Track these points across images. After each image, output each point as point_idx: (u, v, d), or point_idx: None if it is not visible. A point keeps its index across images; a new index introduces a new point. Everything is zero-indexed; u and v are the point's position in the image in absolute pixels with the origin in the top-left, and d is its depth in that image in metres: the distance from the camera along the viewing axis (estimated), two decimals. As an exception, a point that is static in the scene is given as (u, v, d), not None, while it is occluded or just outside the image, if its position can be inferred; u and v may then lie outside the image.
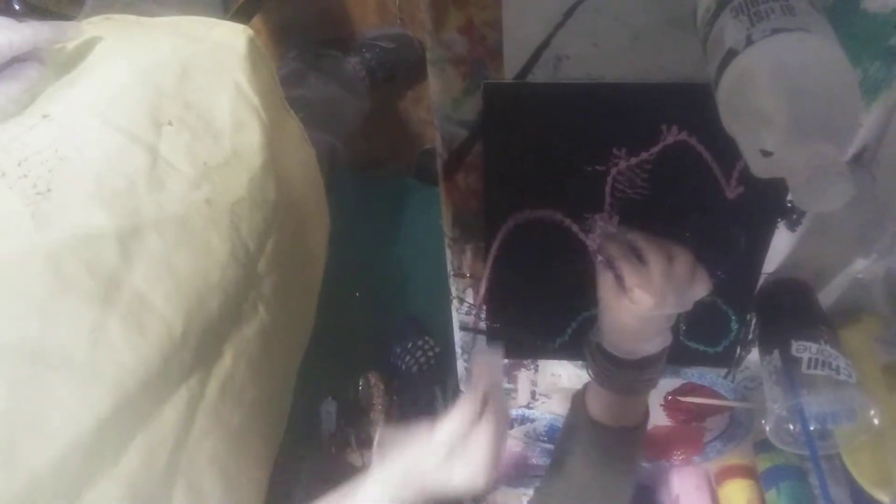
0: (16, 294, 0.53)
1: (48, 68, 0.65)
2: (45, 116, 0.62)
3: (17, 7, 1.00)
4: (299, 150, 0.84)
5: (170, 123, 0.65)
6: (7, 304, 0.52)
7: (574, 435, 0.79)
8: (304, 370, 0.83)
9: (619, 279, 0.68)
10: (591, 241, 0.75)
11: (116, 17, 0.72)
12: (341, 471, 1.35)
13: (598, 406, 0.77)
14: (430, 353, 1.48)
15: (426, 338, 1.47)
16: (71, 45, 0.68)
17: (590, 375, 0.78)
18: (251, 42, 0.76)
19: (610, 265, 0.70)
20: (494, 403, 0.64)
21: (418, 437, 0.63)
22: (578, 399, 0.80)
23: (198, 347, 0.60)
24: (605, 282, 0.70)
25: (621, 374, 0.73)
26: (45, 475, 0.48)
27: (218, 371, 0.63)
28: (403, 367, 1.48)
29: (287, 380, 0.80)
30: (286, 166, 0.77)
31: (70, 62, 0.67)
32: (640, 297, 0.66)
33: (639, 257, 0.68)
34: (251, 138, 0.72)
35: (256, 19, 1.55)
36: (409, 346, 1.47)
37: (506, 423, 0.66)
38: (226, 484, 0.61)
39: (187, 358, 0.59)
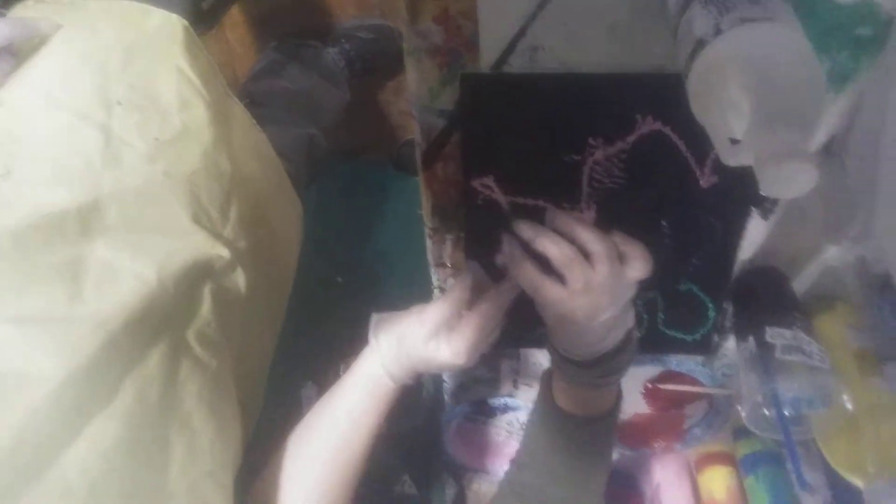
0: None
1: (18, 61, 0.66)
2: None
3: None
4: (248, 133, 0.87)
5: (119, 103, 0.68)
6: None
7: (542, 422, 0.77)
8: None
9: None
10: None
11: (50, 0, 0.73)
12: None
13: (563, 396, 0.75)
14: None
15: None
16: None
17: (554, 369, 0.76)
18: (187, 31, 0.79)
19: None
20: (488, 296, 0.69)
21: (410, 315, 0.69)
22: (545, 384, 0.78)
23: (175, 295, 0.63)
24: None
25: (580, 373, 0.71)
26: (41, 412, 0.50)
27: (197, 319, 0.66)
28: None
29: (265, 339, 0.83)
30: (236, 146, 0.80)
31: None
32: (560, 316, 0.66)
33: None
34: (198, 115, 0.75)
35: (236, 10, 1.55)
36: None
37: (498, 315, 0.69)
38: (215, 421, 0.63)
39: (166, 303, 0.62)
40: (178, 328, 0.63)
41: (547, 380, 0.77)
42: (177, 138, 0.71)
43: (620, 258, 0.65)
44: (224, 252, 0.70)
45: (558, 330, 0.69)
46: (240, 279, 0.72)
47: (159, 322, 0.61)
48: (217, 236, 0.70)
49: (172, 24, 0.78)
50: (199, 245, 0.68)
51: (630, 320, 0.70)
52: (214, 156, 0.74)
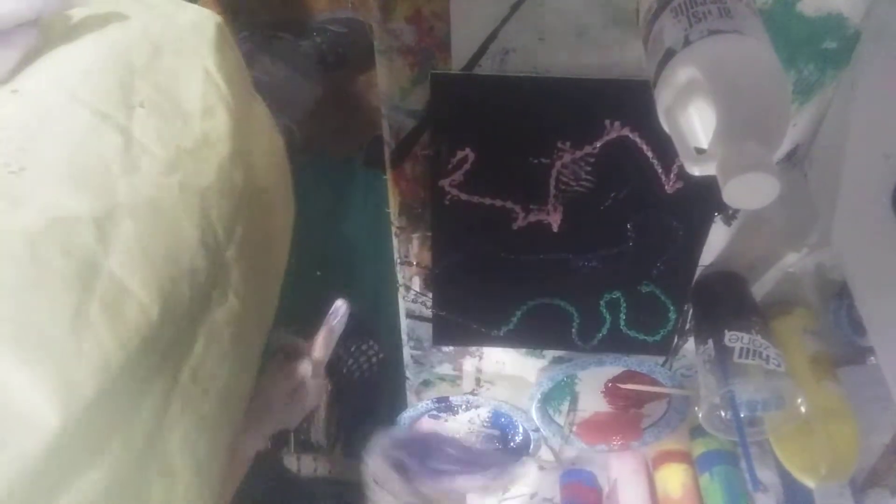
0: None
1: (42, 36, 0.61)
2: (14, 92, 0.58)
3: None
4: (267, 138, 0.82)
5: (141, 105, 0.63)
6: None
7: None
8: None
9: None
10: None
11: None
12: (275, 471, 1.34)
13: None
14: (374, 360, 1.49)
15: (370, 342, 1.49)
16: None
17: None
18: (220, 28, 0.75)
19: None
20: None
21: None
22: None
23: (173, 333, 0.59)
24: None
25: None
26: (35, 465, 0.46)
27: (191, 358, 0.62)
28: (345, 370, 1.49)
29: (252, 367, 0.79)
30: (253, 154, 0.75)
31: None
32: None
33: None
34: (220, 125, 0.70)
35: (206, -2, 1.52)
36: (353, 349, 1.48)
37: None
38: (195, 466, 0.61)
39: (163, 343, 0.58)
40: (172, 368, 0.60)
41: None
42: (196, 148, 0.66)
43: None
44: (223, 281, 0.66)
45: None
46: (235, 307, 0.68)
47: (156, 362, 0.57)
48: (220, 264, 0.66)
49: (205, 20, 0.74)
50: (202, 273, 0.63)
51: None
52: (230, 169, 0.69)
